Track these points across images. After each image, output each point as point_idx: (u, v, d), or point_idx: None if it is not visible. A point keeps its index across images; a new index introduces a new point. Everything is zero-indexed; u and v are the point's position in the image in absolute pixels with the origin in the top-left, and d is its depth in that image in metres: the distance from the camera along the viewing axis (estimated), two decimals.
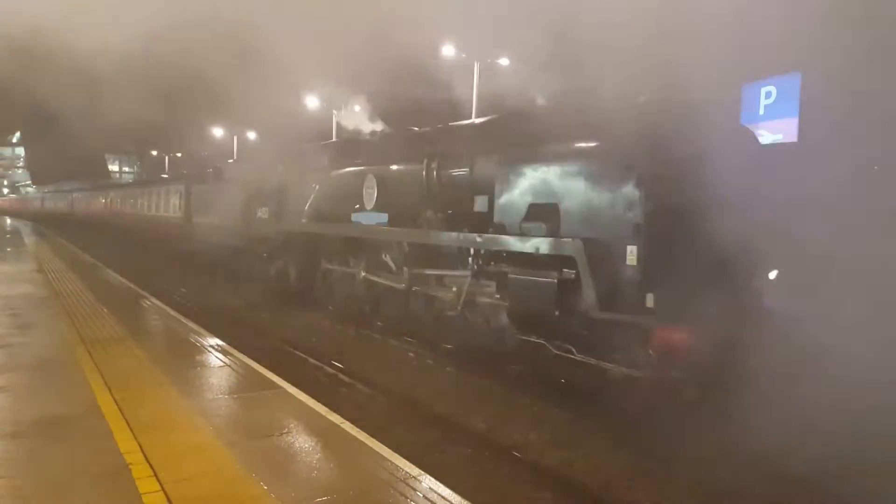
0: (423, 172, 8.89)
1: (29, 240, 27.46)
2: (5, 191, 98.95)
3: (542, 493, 4.92)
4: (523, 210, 6.97)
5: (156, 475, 3.86)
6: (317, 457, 4.34)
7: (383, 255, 9.56)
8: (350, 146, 11.77)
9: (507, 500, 4.83)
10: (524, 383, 7.29)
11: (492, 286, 7.53)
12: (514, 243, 6.85)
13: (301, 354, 9.13)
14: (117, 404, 5.12)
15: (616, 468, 5.33)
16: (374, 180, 9.90)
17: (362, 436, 4.64)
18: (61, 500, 3.58)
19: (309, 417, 5.05)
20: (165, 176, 40.73)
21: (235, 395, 5.62)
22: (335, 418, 4.99)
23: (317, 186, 11.84)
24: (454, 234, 7.87)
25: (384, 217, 9.54)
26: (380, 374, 7.97)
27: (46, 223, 43.86)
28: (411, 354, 8.97)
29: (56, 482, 3.78)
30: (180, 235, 20.17)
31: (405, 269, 9.07)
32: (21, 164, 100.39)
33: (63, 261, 17.78)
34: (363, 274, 10.33)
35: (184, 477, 3.86)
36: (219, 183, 17.47)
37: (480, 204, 7.83)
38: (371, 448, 4.44)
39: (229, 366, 6.55)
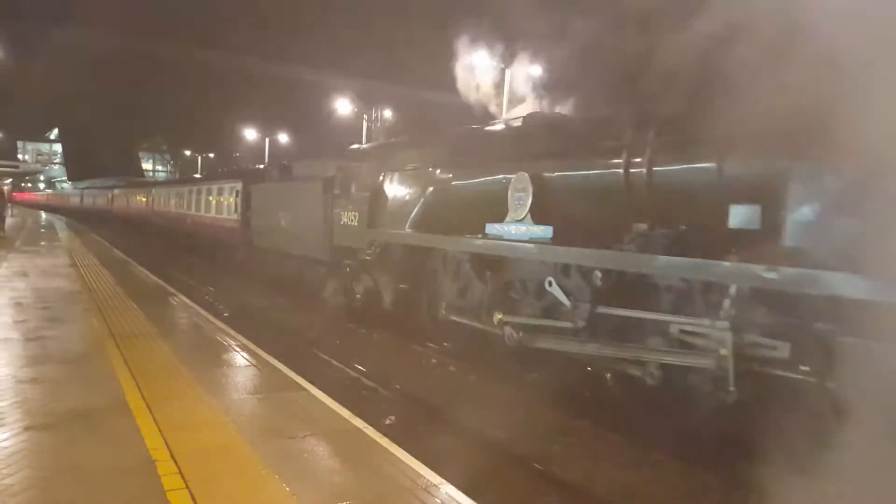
0: (624, 169, 6.32)
1: (63, 234, 28.15)
2: (41, 185, 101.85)
3: None
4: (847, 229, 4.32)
5: (181, 472, 3.90)
6: (339, 460, 4.34)
7: (547, 285, 6.87)
8: (486, 135, 9.03)
9: None
10: None
11: (780, 350, 4.85)
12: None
13: (325, 356, 9.18)
14: (145, 400, 5.19)
15: None
16: (530, 180, 7.15)
17: (384, 441, 4.64)
18: (87, 493, 3.62)
19: (332, 420, 5.05)
20: (197, 175, 40.33)
21: (260, 396, 5.66)
22: (358, 422, 4.99)
23: (430, 187, 9.23)
24: (740, 266, 4.85)
25: (547, 231, 6.91)
26: None
27: (86, 221, 44.16)
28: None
29: (83, 475, 3.83)
30: (235, 240, 18.01)
31: (587, 307, 6.34)
32: (58, 159, 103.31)
33: (96, 257, 18.17)
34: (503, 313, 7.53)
35: (209, 475, 3.89)
36: (287, 182, 15.15)
37: (743, 217, 5.27)
38: (394, 454, 4.42)
39: (254, 365, 6.60)
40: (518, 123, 8.27)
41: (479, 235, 7.82)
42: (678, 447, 5.57)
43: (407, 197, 9.73)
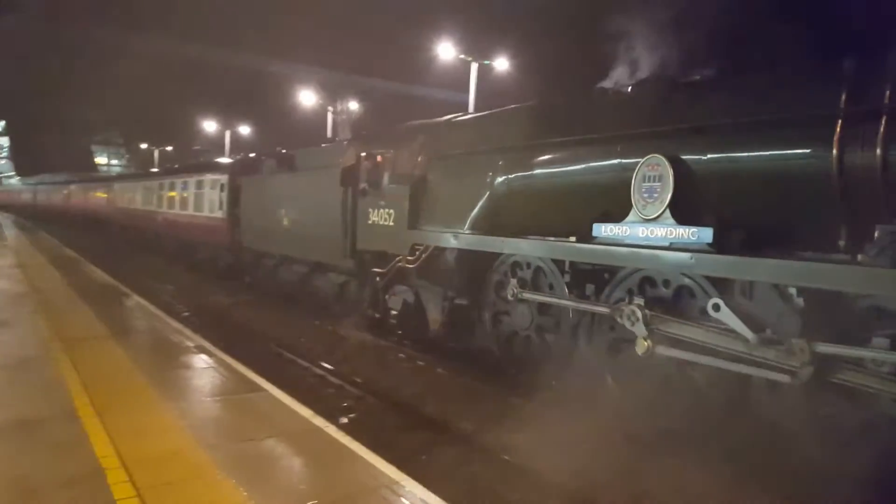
0: (838, 150, 4.51)
1: (10, 233, 27.07)
2: None
3: None
4: None
5: (131, 480, 3.77)
6: (299, 461, 4.25)
7: (712, 309, 4.95)
8: (585, 107, 6.96)
9: None
10: None
11: None
12: None
13: (289, 355, 9.01)
14: (94, 406, 5.00)
15: None
16: (669, 166, 5.39)
17: (346, 439, 4.56)
18: None
19: (293, 421, 4.94)
20: (150, 168, 38.43)
21: (218, 398, 5.50)
22: (319, 422, 4.90)
23: (500, 177, 7.33)
24: None
25: (703, 234, 5.06)
26: None
27: (39, 219, 42.32)
28: None
29: (27, 486, 3.65)
30: (219, 241, 16.06)
31: (805, 344, 4.39)
32: (5, 154, 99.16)
33: (46, 256, 17.51)
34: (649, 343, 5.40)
35: (161, 482, 3.76)
36: (290, 173, 13.15)
37: None
38: (355, 453, 4.35)
39: (213, 367, 6.43)
40: (627, 91, 6.48)
41: (573, 238, 6.15)
42: None
43: (464, 189, 7.78)
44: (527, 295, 6.82)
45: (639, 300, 5.58)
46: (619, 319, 5.65)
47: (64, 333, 7.53)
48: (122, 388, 5.55)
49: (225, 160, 20.32)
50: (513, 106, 8.24)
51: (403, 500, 3.69)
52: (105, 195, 31.13)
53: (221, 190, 16.03)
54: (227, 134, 47.75)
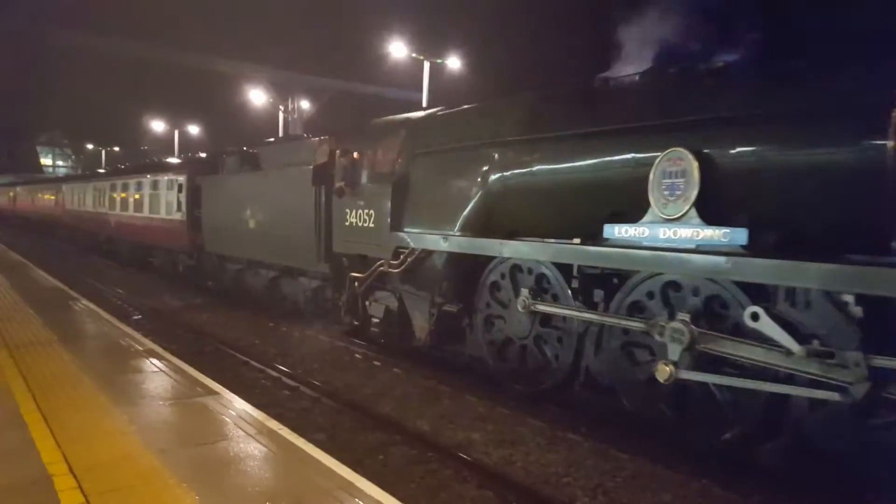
0: (891, 143, 4.08)
1: None
2: None
3: None
4: None
5: (80, 487, 3.72)
6: (253, 464, 4.25)
7: (750, 319, 4.49)
8: (591, 96, 6.35)
9: None
10: None
11: None
12: None
13: (243, 358, 8.92)
14: (41, 412, 4.90)
15: None
16: (693, 160, 4.90)
17: (300, 441, 4.59)
18: None
19: (246, 424, 4.94)
20: (97, 169, 37.05)
21: (170, 402, 5.45)
22: (273, 424, 4.91)
23: (495, 173, 6.80)
24: None
25: (736, 235, 4.61)
26: None
27: None
28: None
29: None
30: (178, 244, 15.54)
31: (861, 357, 4.01)
32: None
33: None
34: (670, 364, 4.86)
35: (110, 488, 3.72)
36: (254, 172, 12.41)
37: None
38: (310, 454, 4.38)
39: (164, 371, 6.34)
40: (638, 80, 5.97)
41: (576, 240, 5.71)
42: None
43: (453, 187, 7.24)
44: (541, 307, 6.22)
45: (684, 315, 4.89)
46: (657, 337, 5.03)
47: (9, 339, 7.31)
48: (70, 394, 5.43)
49: (182, 159, 19.85)
50: (509, 96, 7.70)
51: (358, 501, 3.73)
52: (53, 197, 30.10)
53: (179, 190, 15.37)
54: (176, 134, 46.59)
